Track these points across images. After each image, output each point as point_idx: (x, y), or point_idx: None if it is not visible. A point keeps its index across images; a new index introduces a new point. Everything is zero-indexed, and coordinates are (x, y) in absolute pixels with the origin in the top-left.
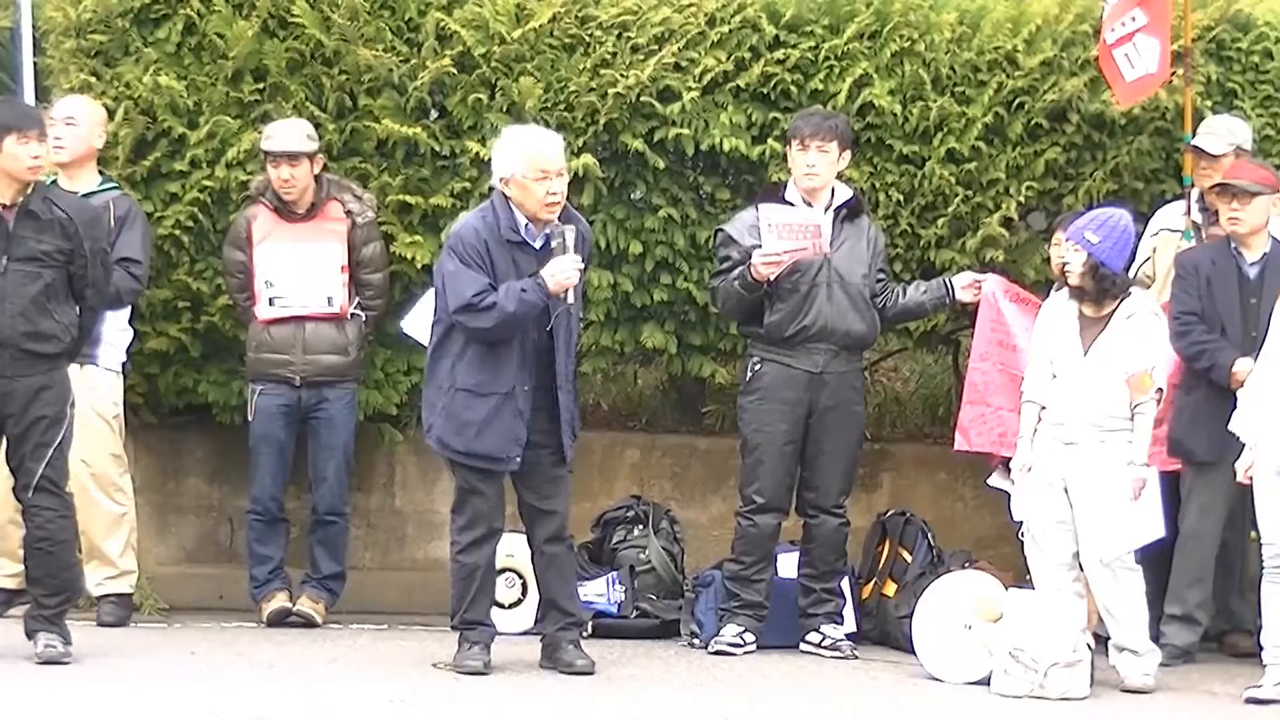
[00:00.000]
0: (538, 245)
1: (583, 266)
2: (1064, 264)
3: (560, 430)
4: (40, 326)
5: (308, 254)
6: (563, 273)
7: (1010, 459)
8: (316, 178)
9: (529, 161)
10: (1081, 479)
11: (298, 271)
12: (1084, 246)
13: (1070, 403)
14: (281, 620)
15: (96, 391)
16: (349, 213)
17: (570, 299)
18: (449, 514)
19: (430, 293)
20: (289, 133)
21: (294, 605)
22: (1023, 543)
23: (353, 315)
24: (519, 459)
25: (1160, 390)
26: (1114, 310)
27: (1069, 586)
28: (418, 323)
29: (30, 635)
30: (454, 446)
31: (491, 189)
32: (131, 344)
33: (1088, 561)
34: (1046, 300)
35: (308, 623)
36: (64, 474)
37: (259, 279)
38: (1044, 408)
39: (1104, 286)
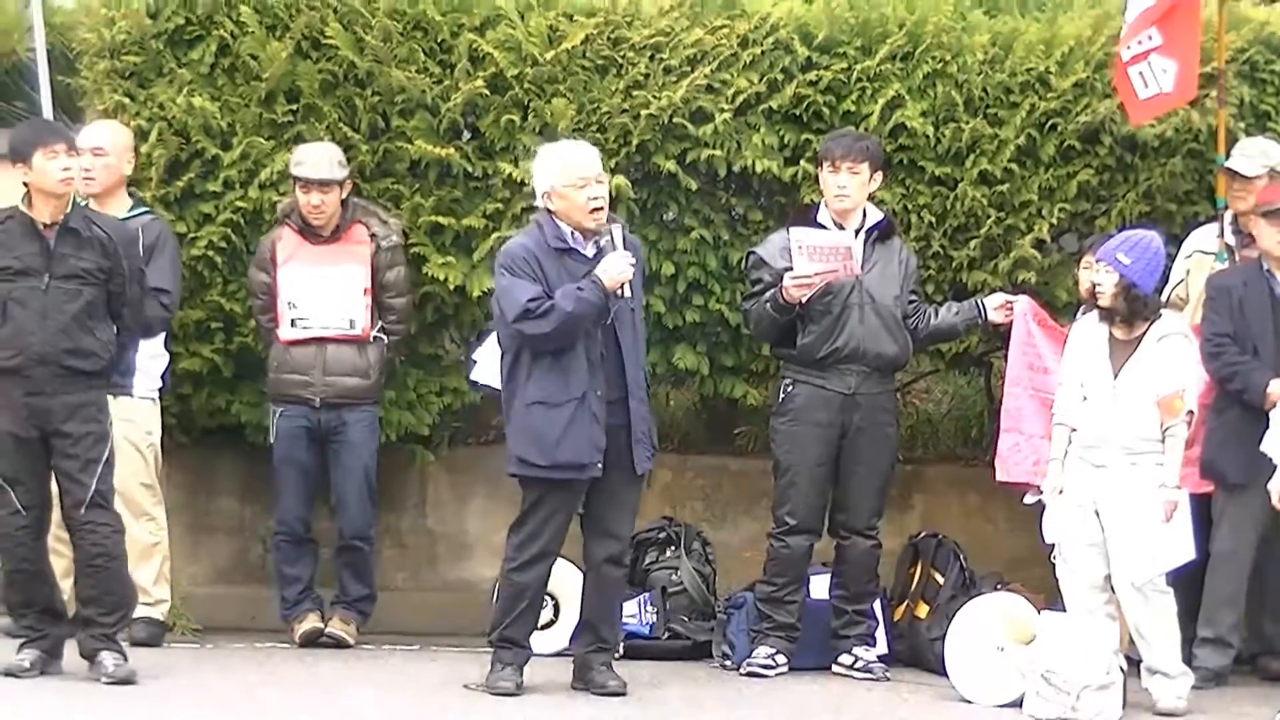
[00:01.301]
0: (589, 254)
1: (634, 261)
2: (1095, 286)
3: (633, 443)
4: (81, 344)
5: (331, 276)
6: (616, 268)
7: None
8: (343, 201)
9: (567, 171)
10: (1113, 501)
11: (320, 293)
12: (1116, 268)
13: (1101, 425)
14: (313, 641)
15: (131, 421)
16: (373, 236)
17: (627, 293)
18: (506, 533)
19: (491, 337)
20: (320, 160)
21: (325, 626)
22: (1054, 565)
23: (374, 338)
24: (600, 465)
25: (1191, 412)
26: (1144, 332)
27: (1101, 609)
28: (485, 369)
29: (89, 656)
30: (535, 461)
31: (525, 210)
32: (167, 368)
33: (1119, 584)
34: (1074, 323)
35: (339, 644)
36: (112, 490)
37: (282, 300)
38: (1075, 430)
39: (1135, 308)
